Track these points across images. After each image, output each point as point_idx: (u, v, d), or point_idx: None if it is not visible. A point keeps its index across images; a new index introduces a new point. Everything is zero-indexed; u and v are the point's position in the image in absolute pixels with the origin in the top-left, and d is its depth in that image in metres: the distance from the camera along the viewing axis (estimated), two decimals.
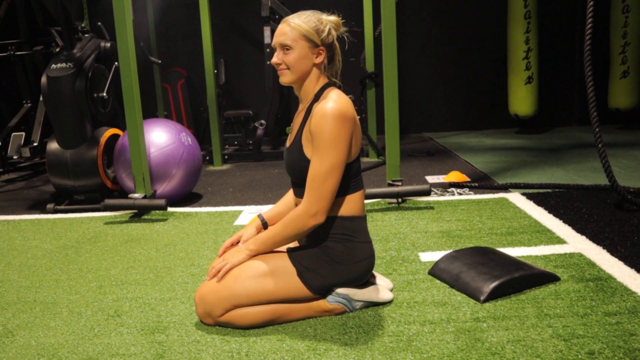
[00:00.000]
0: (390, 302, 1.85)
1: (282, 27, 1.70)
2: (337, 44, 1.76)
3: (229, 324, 1.71)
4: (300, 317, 1.76)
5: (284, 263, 1.70)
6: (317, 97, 1.72)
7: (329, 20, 1.73)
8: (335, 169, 1.62)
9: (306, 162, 1.68)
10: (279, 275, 1.69)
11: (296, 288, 1.70)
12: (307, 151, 1.68)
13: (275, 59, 1.72)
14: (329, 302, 1.76)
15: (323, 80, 1.75)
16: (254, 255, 1.72)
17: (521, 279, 1.87)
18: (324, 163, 1.61)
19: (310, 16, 1.71)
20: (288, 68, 1.70)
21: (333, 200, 1.66)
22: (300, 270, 1.70)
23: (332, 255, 1.71)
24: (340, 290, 1.76)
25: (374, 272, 1.95)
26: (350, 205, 1.72)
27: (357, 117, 1.70)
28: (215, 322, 1.73)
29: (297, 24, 1.68)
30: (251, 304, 1.69)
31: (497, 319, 1.69)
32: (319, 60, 1.71)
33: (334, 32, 1.73)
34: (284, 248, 1.82)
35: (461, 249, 2.14)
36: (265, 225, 1.92)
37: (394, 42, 3.13)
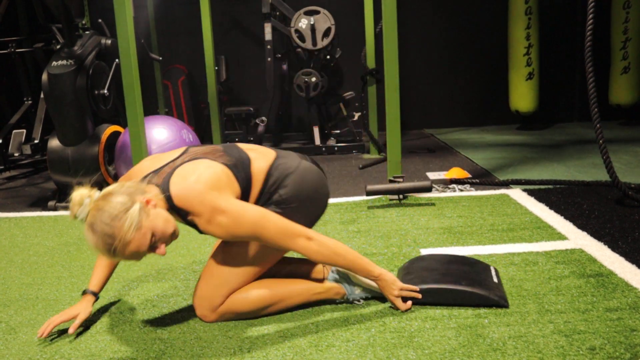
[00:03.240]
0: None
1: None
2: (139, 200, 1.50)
3: (231, 312, 1.72)
4: (301, 300, 1.79)
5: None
6: (179, 210, 1.56)
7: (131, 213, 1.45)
8: (264, 218, 1.58)
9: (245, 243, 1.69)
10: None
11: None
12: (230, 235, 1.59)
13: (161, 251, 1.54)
14: (329, 280, 1.81)
15: (158, 195, 1.55)
16: (380, 270, 1.72)
17: (453, 292, 1.74)
18: (259, 231, 1.58)
19: (104, 218, 1.44)
20: (163, 242, 1.53)
21: (290, 221, 1.63)
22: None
23: (281, 206, 1.72)
24: (339, 269, 1.79)
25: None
26: (258, 176, 1.71)
27: (214, 179, 1.59)
28: (218, 315, 1.73)
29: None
30: (247, 281, 1.72)
31: (498, 315, 1.69)
32: (151, 207, 1.50)
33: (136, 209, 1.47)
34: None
35: (436, 254, 2.06)
36: (96, 295, 1.79)
37: (395, 39, 3.13)
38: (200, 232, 1.61)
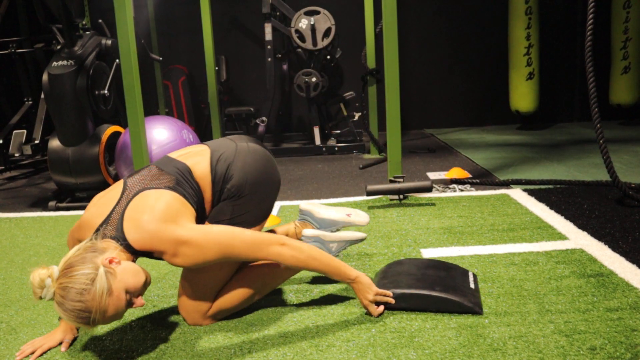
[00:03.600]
0: (363, 239, 1.94)
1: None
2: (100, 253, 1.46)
3: (222, 311, 1.73)
4: (286, 275, 1.81)
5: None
6: (144, 254, 1.55)
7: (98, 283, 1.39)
8: (232, 234, 1.55)
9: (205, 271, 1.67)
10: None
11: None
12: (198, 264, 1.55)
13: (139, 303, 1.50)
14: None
15: (116, 248, 1.50)
16: (356, 273, 1.69)
17: (426, 297, 1.72)
18: (227, 251, 1.54)
19: (72, 296, 1.38)
20: (139, 295, 1.49)
21: (254, 231, 1.60)
22: (224, 224, 1.65)
23: (232, 199, 1.68)
24: (308, 234, 1.82)
25: (346, 208, 2.03)
26: (204, 182, 1.68)
27: (169, 212, 1.54)
28: (211, 320, 1.74)
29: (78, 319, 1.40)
30: (226, 279, 1.72)
31: (498, 314, 1.69)
32: (115, 265, 1.44)
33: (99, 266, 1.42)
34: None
35: (415, 259, 2.03)
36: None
37: (395, 39, 3.13)
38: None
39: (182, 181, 1.65)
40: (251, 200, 1.70)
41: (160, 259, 1.56)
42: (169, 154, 1.77)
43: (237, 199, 1.68)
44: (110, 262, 1.44)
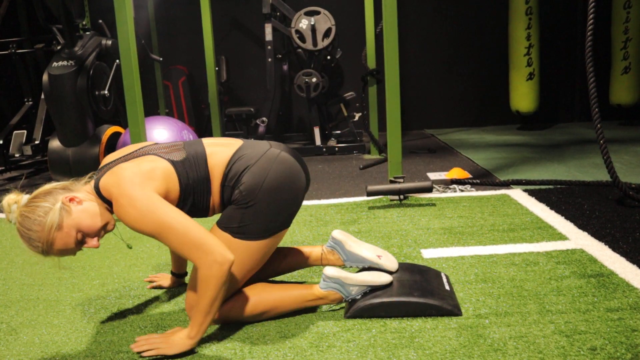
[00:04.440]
0: (389, 284, 1.77)
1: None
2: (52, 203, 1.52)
3: (227, 320, 1.71)
4: (296, 306, 1.74)
5: (220, 236, 1.64)
6: (105, 199, 1.58)
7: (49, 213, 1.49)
8: (180, 223, 1.49)
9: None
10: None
11: (247, 248, 1.63)
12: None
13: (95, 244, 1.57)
14: (321, 288, 1.74)
15: (87, 190, 1.59)
16: (197, 341, 1.56)
17: (406, 304, 1.71)
18: (170, 234, 1.48)
19: (28, 224, 1.50)
20: (93, 236, 1.56)
21: (214, 237, 1.52)
22: (233, 232, 1.63)
23: (241, 204, 1.63)
24: (329, 274, 1.72)
25: (378, 249, 1.88)
26: (216, 171, 1.66)
27: (143, 172, 1.56)
28: (214, 320, 1.71)
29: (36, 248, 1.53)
30: (234, 289, 1.68)
31: (499, 315, 1.69)
32: (74, 204, 1.53)
33: (53, 203, 1.51)
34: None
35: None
36: (174, 274, 2.07)
37: (395, 39, 3.13)
38: None
39: (191, 163, 1.64)
40: (261, 211, 1.63)
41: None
42: (203, 139, 1.78)
43: (246, 207, 1.62)
44: (71, 200, 1.53)
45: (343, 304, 1.80)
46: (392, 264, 1.85)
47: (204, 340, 1.65)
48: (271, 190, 1.64)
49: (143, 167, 1.57)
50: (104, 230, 1.58)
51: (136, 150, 1.68)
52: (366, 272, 1.77)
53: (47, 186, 1.57)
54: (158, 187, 1.55)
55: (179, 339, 1.55)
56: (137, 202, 1.49)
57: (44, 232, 1.48)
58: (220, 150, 1.70)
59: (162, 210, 1.49)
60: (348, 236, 1.88)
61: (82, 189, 1.59)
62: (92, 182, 1.61)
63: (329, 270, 1.74)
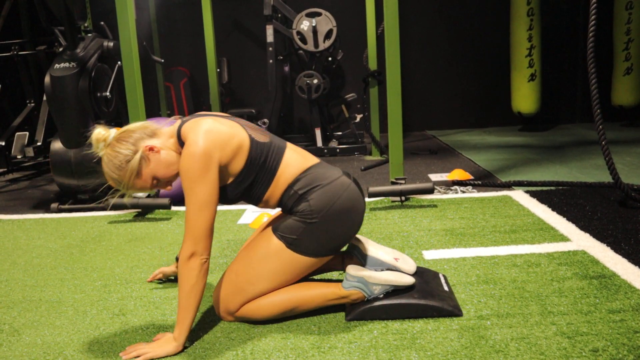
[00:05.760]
0: (412, 286, 1.77)
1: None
2: (131, 140, 1.65)
3: (247, 318, 1.72)
4: (318, 305, 1.74)
5: (272, 241, 1.68)
6: (182, 143, 1.66)
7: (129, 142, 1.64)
8: (203, 207, 1.57)
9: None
10: (273, 255, 1.68)
11: (295, 261, 1.68)
12: None
13: (167, 188, 1.75)
14: (345, 288, 1.73)
15: (169, 135, 1.71)
16: (184, 340, 1.60)
17: (406, 306, 1.71)
18: (190, 203, 1.58)
19: (111, 167, 1.64)
20: (167, 183, 1.72)
21: (211, 236, 1.60)
22: (288, 242, 1.67)
23: (306, 216, 1.66)
24: (353, 272, 1.71)
25: (396, 252, 1.89)
26: (287, 173, 1.70)
27: (225, 133, 1.63)
28: (235, 318, 1.74)
29: (113, 179, 1.66)
30: (262, 293, 1.69)
31: (500, 316, 1.69)
32: (153, 154, 1.66)
33: (131, 143, 1.64)
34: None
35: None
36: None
37: (397, 40, 3.13)
38: None
39: (269, 151, 1.71)
40: (321, 231, 1.67)
41: None
42: (287, 142, 1.84)
43: (308, 222, 1.65)
44: (150, 149, 1.65)
45: None
46: (410, 267, 1.85)
47: (206, 342, 1.65)
48: (336, 215, 1.68)
49: (222, 130, 1.64)
50: (176, 176, 1.71)
51: (227, 116, 1.77)
52: (389, 272, 1.77)
53: (134, 126, 1.69)
54: (224, 157, 1.62)
55: (164, 341, 1.60)
56: (195, 162, 1.57)
57: (124, 177, 1.63)
58: (297, 158, 1.75)
59: (204, 185, 1.57)
60: (365, 240, 1.88)
61: (165, 133, 1.70)
62: (178, 124, 1.69)
63: (352, 269, 1.74)
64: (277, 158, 1.72)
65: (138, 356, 1.57)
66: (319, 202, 1.66)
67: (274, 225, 1.72)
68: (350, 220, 1.72)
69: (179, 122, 1.71)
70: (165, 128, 1.72)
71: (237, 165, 1.66)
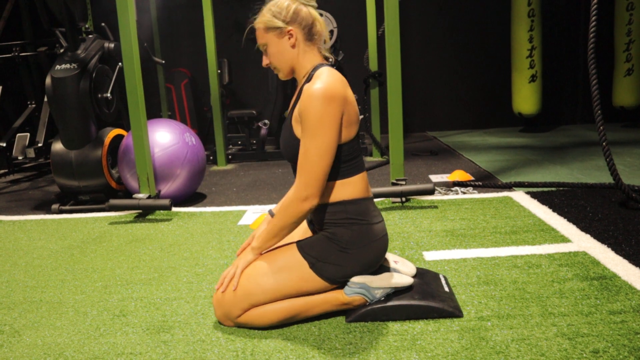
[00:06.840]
0: (411, 286, 1.79)
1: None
2: (309, 13, 1.70)
3: (248, 324, 1.70)
4: (320, 312, 1.74)
5: (294, 256, 1.68)
6: (309, 77, 1.67)
7: None
8: (324, 151, 1.57)
9: (296, 142, 1.66)
10: (292, 269, 1.66)
11: (311, 280, 1.67)
12: (297, 131, 1.65)
13: (264, 62, 1.75)
14: (347, 294, 1.71)
15: (315, 59, 1.71)
16: (260, 252, 1.71)
17: (408, 308, 1.71)
18: (312, 145, 1.57)
19: (269, 5, 1.69)
20: (275, 67, 1.73)
21: (325, 183, 1.61)
22: (311, 262, 1.66)
23: (339, 242, 1.66)
24: (355, 280, 1.71)
25: (394, 255, 1.91)
26: (350, 188, 1.68)
27: (351, 96, 1.66)
28: (235, 324, 1.72)
29: (258, 21, 1.70)
30: (268, 301, 1.68)
31: (501, 317, 1.69)
32: (292, 41, 1.68)
33: (297, 4, 1.69)
34: (293, 238, 1.82)
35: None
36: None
37: (397, 41, 3.13)
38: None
39: (359, 154, 1.73)
40: (347, 264, 1.67)
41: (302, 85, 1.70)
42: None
43: (340, 250, 1.66)
44: (289, 33, 1.67)
45: None
46: (409, 269, 1.87)
47: (206, 343, 1.65)
48: (366, 255, 1.69)
49: (350, 92, 1.66)
50: (280, 69, 1.72)
51: None
52: (387, 274, 1.76)
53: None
54: (346, 115, 1.62)
55: (244, 254, 1.72)
56: (332, 104, 1.56)
57: (280, 16, 1.67)
58: (365, 183, 1.74)
59: (332, 130, 1.58)
60: None
61: (313, 49, 1.71)
62: (321, 55, 1.72)
63: (355, 277, 1.73)
64: (359, 167, 1.71)
65: (231, 279, 1.69)
66: (359, 237, 1.67)
67: (300, 242, 1.71)
68: (370, 264, 1.71)
69: (322, 54, 1.73)
70: (317, 42, 1.72)
71: (346, 136, 1.65)
